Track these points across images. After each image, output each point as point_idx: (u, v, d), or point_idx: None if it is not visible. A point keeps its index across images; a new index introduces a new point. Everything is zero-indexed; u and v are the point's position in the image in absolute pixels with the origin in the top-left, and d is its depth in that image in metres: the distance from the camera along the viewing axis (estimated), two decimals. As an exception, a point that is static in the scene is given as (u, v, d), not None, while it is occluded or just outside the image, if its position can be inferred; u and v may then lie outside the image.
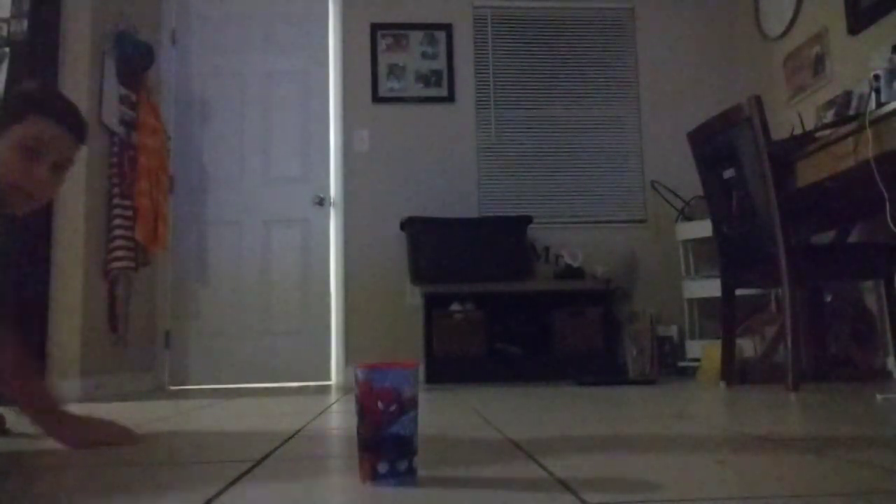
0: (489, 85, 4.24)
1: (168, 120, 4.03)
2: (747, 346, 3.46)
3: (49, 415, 1.46)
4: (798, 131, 3.07)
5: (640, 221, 4.21)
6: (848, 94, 3.24)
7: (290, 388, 3.53)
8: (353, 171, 4.11)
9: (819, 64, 3.58)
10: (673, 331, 3.96)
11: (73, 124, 1.51)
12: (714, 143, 2.85)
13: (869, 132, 2.18)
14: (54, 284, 3.01)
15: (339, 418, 1.93)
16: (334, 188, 4.12)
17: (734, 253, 2.86)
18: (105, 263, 3.27)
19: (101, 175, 3.29)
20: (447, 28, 4.23)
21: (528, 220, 3.78)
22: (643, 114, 4.29)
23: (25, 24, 3.03)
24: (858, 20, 3.26)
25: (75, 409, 2.44)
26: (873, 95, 2.39)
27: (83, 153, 3.13)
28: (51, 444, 1.45)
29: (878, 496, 0.85)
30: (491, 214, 4.09)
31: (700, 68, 4.34)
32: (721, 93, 4.29)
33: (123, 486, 1.05)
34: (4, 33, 3.04)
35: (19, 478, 1.14)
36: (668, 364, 3.87)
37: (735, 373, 2.92)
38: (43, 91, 1.57)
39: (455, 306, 3.70)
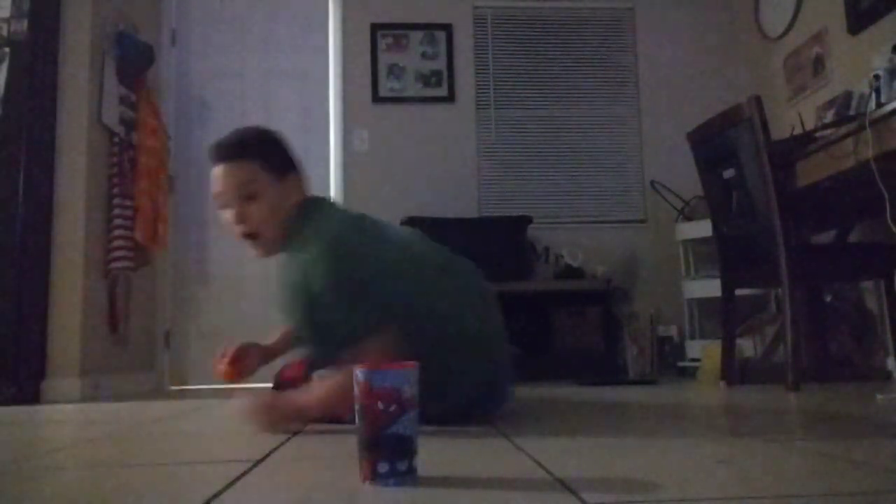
0: (489, 85, 4.24)
1: (168, 120, 4.03)
2: (747, 346, 3.46)
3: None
4: (798, 131, 3.06)
5: (640, 221, 4.21)
6: (848, 94, 3.23)
7: (290, 388, 3.52)
8: (353, 171, 4.11)
9: (819, 64, 3.58)
10: (673, 331, 3.95)
11: (216, 152, 1.54)
12: (714, 143, 2.85)
13: (869, 132, 2.17)
14: (54, 284, 3.01)
15: (339, 418, 1.92)
16: (334, 188, 4.12)
17: (734, 253, 2.86)
18: (105, 263, 3.27)
19: (101, 175, 3.29)
20: (447, 28, 4.23)
21: (528, 220, 3.78)
22: (643, 114, 4.28)
23: (25, 24, 3.03)
24: (858, 20, 3.25)
25: (72, 409, 2.44)
26: (873, 95, 2.39)
27: (83, 153, 3.13)
28: (48, 443, 1.44)
29: (878, 496, 0.85)
30: (491, 214, 4.09)
31: (700, 68, 4.33)
32: (721, 93, 4.28)
33: (123, 487, 1.05)
34: (4, 33, 3.04)
35: (20, 478, 1.14)
36: (668, 364, 3.87)
37: (735, 373, 2.92)
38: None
39: (455, 306, 3.70)
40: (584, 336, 3.71)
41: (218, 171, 1.53)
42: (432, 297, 1.53)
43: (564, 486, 0.91)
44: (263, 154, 1.56)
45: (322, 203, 1.63)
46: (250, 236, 1.57)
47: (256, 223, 1.56)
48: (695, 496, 0.84)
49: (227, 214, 1.56)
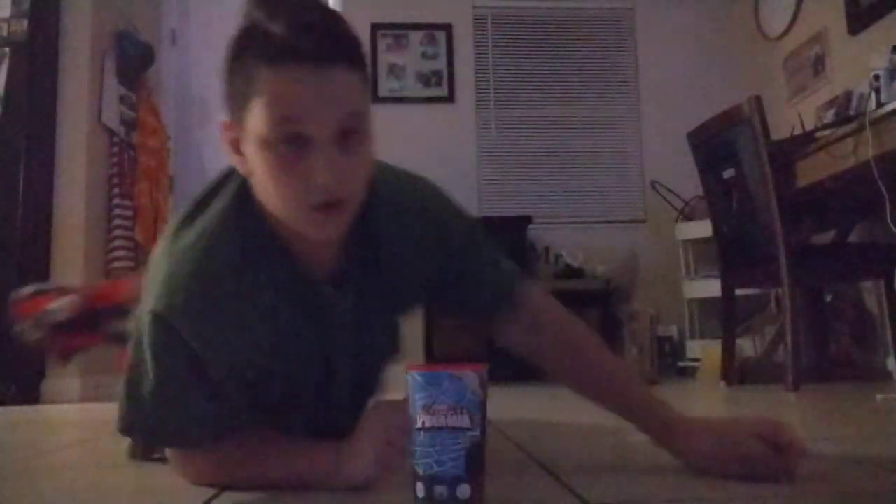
0: (489, 85, 4.24)
1: (168, 120, 4.02)
2: (747, 346, 3.46)
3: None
4: (798, 131, 3.06)
5: (640, 221, 4.20)
6: (848, 94, 3.23)
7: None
8: (353, 171, 4.10)
9: (819, 64, 3.58)
10: (673, 331, 3.95)
11: (316, 39, 0.77)
12: (714, 143, 2.85)
13: (869, 132, 2.17)
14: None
15: (339, 418, 1.92)
16: (334, 188, 4.11)
17: (734, 253, 2.85)
18: (105, 263, 3.27)
19: (101, 175, 3.29)
20: (447, 28, 4.22)
21: (528, 220, 3.77)
22: (643, 114, 4.28)
23: (25, 24, 3.03)
24: (858, 20, 3.25)
25: (72, 409, 2.44)
26: (873, 95, 2.39)
27: (83, 153, 3.13)
28: (48, 443, 1.44)
29: (878, 496, 0.85)
30: (491, 214, 4.08)
31: (700, 68, 4.33)
32: (721, 93, 4.26)
33: (124, 486, 1.06)
34: (4, 33, 3.04)
35: (20, 478, 1.14)
36: (668, 364, 3.86)
37: (735, 373, 2.92)
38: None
39: (455, 306, 3.69)
40: (584, 336, 3.70)
41: (319, 77, 0.78)
42: None
43: (564, 485, 0.91)
44: (365, 65, 0.85)
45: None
46: (339, 203, 0.84)
47: (357, 181, 0.88)
48: (695, 496, 0.84)
49: (309, 159, 0.81)
